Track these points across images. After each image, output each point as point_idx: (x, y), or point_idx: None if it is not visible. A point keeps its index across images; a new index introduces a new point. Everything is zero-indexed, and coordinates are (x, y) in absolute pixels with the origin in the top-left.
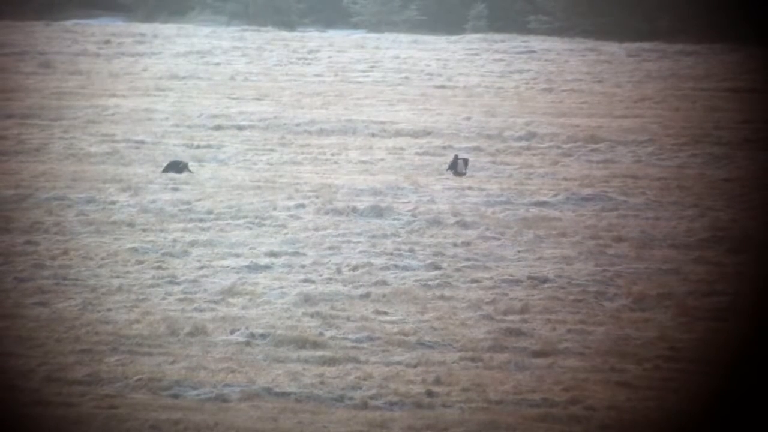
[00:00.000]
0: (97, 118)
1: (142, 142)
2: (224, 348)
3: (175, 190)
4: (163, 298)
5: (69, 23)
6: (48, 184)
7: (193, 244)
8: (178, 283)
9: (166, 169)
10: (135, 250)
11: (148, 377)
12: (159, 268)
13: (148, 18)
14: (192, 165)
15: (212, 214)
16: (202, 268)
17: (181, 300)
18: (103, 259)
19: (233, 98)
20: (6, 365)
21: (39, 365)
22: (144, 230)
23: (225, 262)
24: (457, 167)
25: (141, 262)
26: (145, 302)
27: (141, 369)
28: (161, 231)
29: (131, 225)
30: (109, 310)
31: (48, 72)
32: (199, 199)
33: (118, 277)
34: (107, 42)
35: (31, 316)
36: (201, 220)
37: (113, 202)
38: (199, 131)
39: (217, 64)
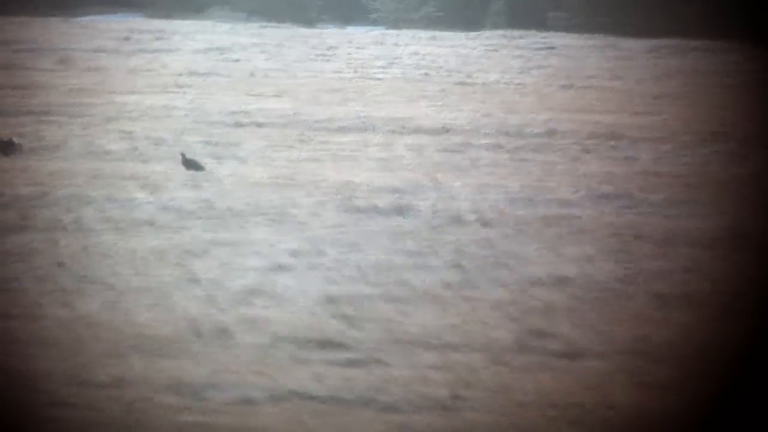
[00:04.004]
0: (115, 115)
1: (161, 139)
2: (248, 349)
3: (195, 187)
4: (185, 298)
5: (87, 19)
6: (66, 181)
7: (213, 242)
8: (199, 283)
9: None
10: (155, 248)
11: (173, 379)
12: (180, 266)
13: (167, 14)
14: (210, 162)
15: (232, 212)
16: (223, 266)
17: (203, 300)
18: (123, 257)
19: (252, 95)
20: (26, 367)
21: (60, 367)
22: (164, 228)
23: (246, 261)
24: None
25: (162, 261)
26: (167, 302)
27: (165, 371)
28: (181, 229)
29: (151, 223)
30: (132, 310)
31: (66, 68)
32: (219, 197)
33: (138, 275)
34: (126, 38)
35: (51, 316)
36: (221, 218)
37: (132, 200)
38: (219, 128)
39: (236, 60)
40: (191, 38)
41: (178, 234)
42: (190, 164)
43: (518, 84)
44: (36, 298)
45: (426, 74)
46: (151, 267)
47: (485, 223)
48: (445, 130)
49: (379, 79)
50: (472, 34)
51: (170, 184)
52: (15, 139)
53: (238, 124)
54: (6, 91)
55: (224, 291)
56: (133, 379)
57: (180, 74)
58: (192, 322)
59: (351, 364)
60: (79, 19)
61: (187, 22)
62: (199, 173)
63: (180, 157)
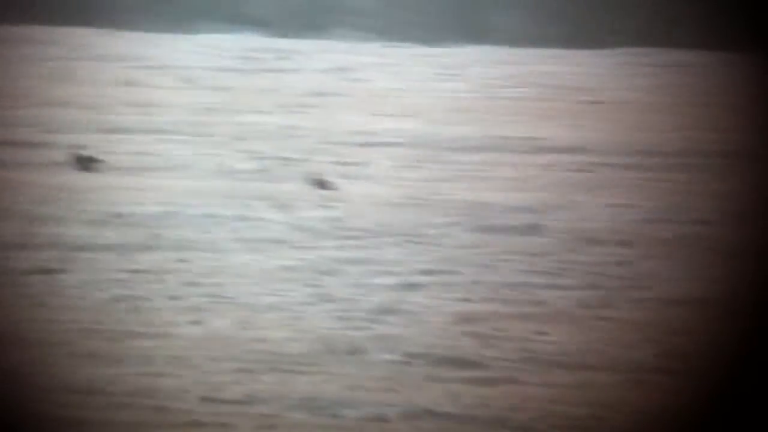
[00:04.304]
0: (243, 134)
1: (290, 159)
2: (381, 367)
3: (325, 207)
4: (319, 317)
5: (207, 37)
6: (197, 200)
7: (345, 261)
8: (333, 301)
9: None
10: (288, 267)
11: (306, 397)
12: (313, 285)
13: (287, 33)
14: (340, 182)
15: (363, 232)
16: (356, 286)
17: (337, 318)
18: (256, 277)
19: (378, 115)
20: (159, 385)
21: (194, 385)
22: (296, 248)
23: (379, 280)
24: None
25: (294, 280)
26: (301, 320)
27: (298, 388)
28: (313, 248)
29: (283, 242)
30: (265, 328)
31: (190, 87)
32: (350, 217)
33: (272, 295)
34: (247, 57)
35: (184, 335)
36: (352, 238)
37: (264, 219)
38: (346, 148)
39: (359, 80)
40: (313, 57)
41: (310, 253)
42: (320, 184)
43: (648, 102)
44: (168, 317)
45: (554, 93)
46: (284, 285)
47: (621, 243)
48: (577, 149)
49: (506, 98)
50: (598, 51)
51: (300, 204)
52: (95, 155)
53: (366, 144)
54: (126, 108)
55: (357, 309)
56: (265, 396)
57: (304, 94)
58: (324, 339)
59: (485, 382)
60: (199, 36)
61: (307, 41)
62: (329, 192)
63: (309, 176)
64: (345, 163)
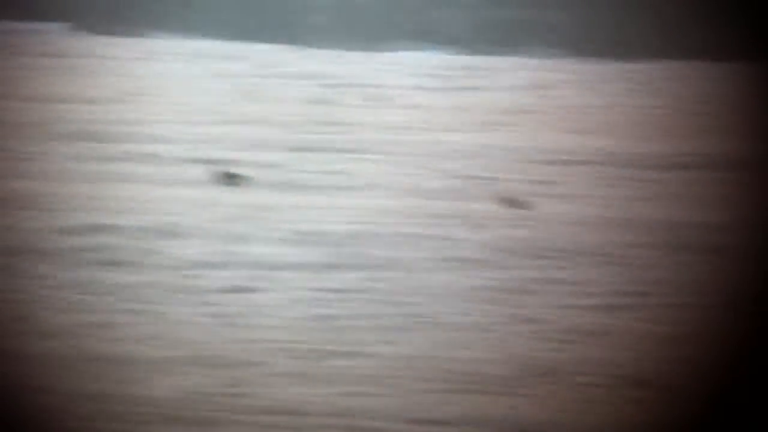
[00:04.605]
0: (433, 152)
1: (481, 177)
2: (579, 389)
3: (518, 226)
4: (513, 336)
5: (396, 54)
6: (386, 219)
7: (541, 281)
8: (530, 322)
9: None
10: (483, 287)
11: (503, 419)
12: (509, 305)
13: (477, 51)
14: (532, 200)
15: (557, 252)
16: (553, 307)
17: (531, 338)
18: (449, 295)
19: (571, 132)
20: (357, 405)
21: (391, 406)
22: (490, 267)
23: (577, 301)
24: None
25: (490, 300)
26: (495, 340)
27: (496, 410)
28: (507, 268)
29: (476, 262)
30: (462, 348)
31: (379, 105)
32: (543, 236)
33: (468, 315)
34: (439, 75)
35: (381, 355)
36: (546, 258)
37: (455, 239)
38: (538, 166)
39: (552, 97)
40: (505, 74)
41: (504, 272)
42: (512, 203)
43: None
44: (366, 336)
45: (749, 108)
46: (479, 305)
47: None
48: None
49: (700, 114)
50: None
51: (493, 223)
52: (241, 172)
53: (558, 162)
54: (315, 126)
55: (554, 329)
56: (457, 418)
57: (496, 111)
58: (520, 360)
59: None
60: (387, 54)
61: (500, 58)
62: (522, 212)
63: (501, 195)
64: (537, 182)
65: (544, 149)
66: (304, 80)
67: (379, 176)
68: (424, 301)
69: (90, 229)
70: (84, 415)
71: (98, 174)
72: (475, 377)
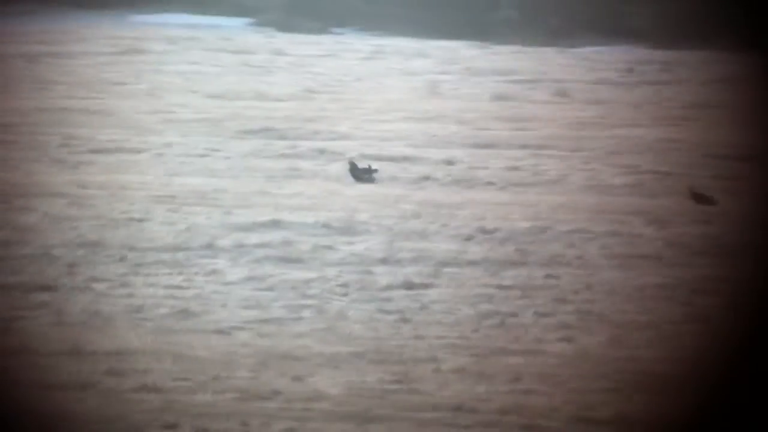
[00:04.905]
0: (618, 148)
1: (668, 173)
2: None
3: (705, 223)
4: (690, 336)
5: (585, 50)
6: (568, 216)
7: (721, 280)
8: (706, 322)
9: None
10: (661, 285)
11: (678, 419)
12: (687, 304)
13: (668, 44)
14: (719, 197)
15: (737, 249)
16: (728, 307)
17: (712, 339)
18: (628, 294)
19: (758, 127)
20: (528, 403)
21: (564, 404)
22: (670, 265)
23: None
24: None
25: (668, 298)
26: (672, 340)
27: (670, 410)
28: (689, 265)
29: (658, 259)
30: (636, 347)
31: (565, 101)
32: (728, 233)
33: (644, 313)
34: (629, 70)
35: (553, 352)
36: (729, 255)
37: (638, 236)
38: (726, 162)
39: (739, 91)
40: (697, 69)
41: (686, 270)
42: (698, 199)
43: None
44: (537, 333)
45: None
46: (656, 303)
47: None
48: None
49: None
50: None
51: (678, 219)
52: (372, 166)
53: (744, 157)
54: (501, 123)
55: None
56: (636, 417)
57: (684, 106)
58: (696, 360)
59: None
60: (576, 50)
61: (684, 52)
62: (708, 208)
63: (687, 191)
64: (725, 178)
65: (729, 144)
66: (488, 76)
67: (562, 172)
68: (598, 297)
69: (266, 226)
70: (257, 412)
71: (275, 170)
72: (648, 377)
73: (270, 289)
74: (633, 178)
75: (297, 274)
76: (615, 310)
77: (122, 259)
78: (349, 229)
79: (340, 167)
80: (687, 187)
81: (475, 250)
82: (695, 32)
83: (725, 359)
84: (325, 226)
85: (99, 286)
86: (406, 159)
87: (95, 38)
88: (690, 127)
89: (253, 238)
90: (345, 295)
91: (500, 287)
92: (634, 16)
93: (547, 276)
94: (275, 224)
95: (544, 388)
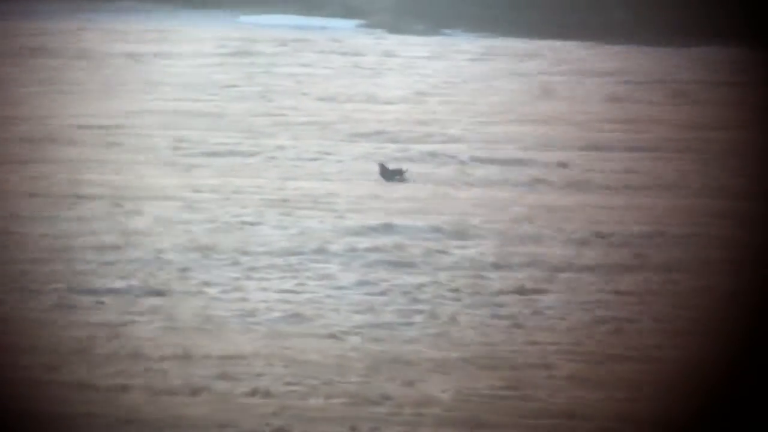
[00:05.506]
0: (735, 150)
1: None
2: None
3: None
4: None
5: (700, 50)
6: (684, 220)
7: None
8: None
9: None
10: None
11: None
12: None
13: None
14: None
15: None
16: None
17: None
18: (738, 299)
19: None
20: (642, 412)
21: (677, 412)
22: None
23: None
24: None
25: None
26: None
27: None
28: None
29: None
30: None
31: (682, 102)
32: None
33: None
34: (745, 71)
35: (671, 359)
36: None
37: (749, 240)
38: None
39: None
40: None
41: None
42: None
43: None
44: (654, 340)
45: None
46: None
47: None
48: None
49: None
50: None
51: None
52: (405, 168)
53: None
54: (613, 125)
55: None
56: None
57: None
58: None
59: None
60: (691, 49)
61: None
62: None
63: None
64: None
65: None
66: (601, 77)
67: (677, 175)
68: (710, 304)
69: (378, 230)
70: (367, 417)
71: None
72: None
73: (382, 293)
74: (749, 181)
75: (409, 278)
76: (724, 316)
77: (235, 263)
78: (461, 233)
79: (452, 170)
80: None
81: (590, 255)
82: None
83: None
84: (437, 230)
85: (211, 291)
86: (517, 162)
87: (203, 39)
88: None
89: (365, 242)
90: (457, 299)
91: (612, 292)
92: (753, 14)
93: (665, 281)
94: (387, 228)
95: (654, 395)
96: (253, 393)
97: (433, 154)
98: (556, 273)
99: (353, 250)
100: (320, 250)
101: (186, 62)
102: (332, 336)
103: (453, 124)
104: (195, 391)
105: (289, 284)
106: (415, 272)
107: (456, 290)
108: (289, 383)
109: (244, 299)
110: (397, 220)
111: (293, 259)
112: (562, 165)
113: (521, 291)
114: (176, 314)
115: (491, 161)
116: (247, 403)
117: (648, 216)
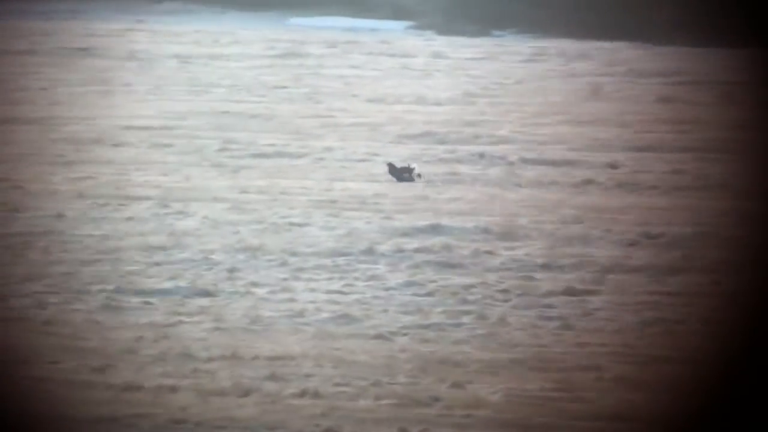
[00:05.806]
0: None
1: None
2: None
3: None
4: None
5: (750, 51)
6: (729, 220)
7: None
8: None
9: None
10: None
11: None
12: None
13: None
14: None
15: None
16: None
17: None
18: None
19: None
20: (690, 412)
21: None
22: None
23: None
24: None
25: None
26: None
27: None
28: None
29: None
30: None
31: (729, 103)
32: None
33: None
34: None
35: (719, 361)
36: None
37: None
38: None
39: None
40: None
41: None
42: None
43: None
44: (701, 341)
45: None
46: None
47: None
48: None
49: None
50: None
51: None
52: (413, 165)
53: None
54: (664, 126)
55: None
56: None
57: None
58: None
59: None
60: (741, 50)
61: None
62: None
63: None
64: None
65: None
66: (651, 78)
67: (726, 176)
68: (759, 305)
69: (426, 231)
70: (416, 418)
71: (435, 175)
72: None
73: (430, 294)
74: None
75: (457, 279)
76: None
77: (283, 263)
78: (509, 234)
79: (501, 171)
80: None
81: (639, 256)
82: None
83: None
84: (485, 231)
85: (259, 291)
86: (567, 163)
87: (251, 40)
88: None
89: (413, 243)
90: (506, 301)
91: (662, 294)
92: None
93: (714, 283)
94: (435, 229)
95: (702, 399)
96: (302, 394)
97: (481, 155)
98: (606, 274)
99: (401, 250)
100: (368, 251)
101: (235, 64)
102: (380, 337)
103: (502, 125)
104: (244, 392)
105: (337, 285)
106: (464, 273)
107: (504, 291)
108: (338, 384)
109: (292, 300)
110: (445, 221)
111: (341, 260)
112: (611, 166)
113: (570, 292)
114: (224, 315)
115: (540, 162)
116: (296, 404)
117: (697, 217)
